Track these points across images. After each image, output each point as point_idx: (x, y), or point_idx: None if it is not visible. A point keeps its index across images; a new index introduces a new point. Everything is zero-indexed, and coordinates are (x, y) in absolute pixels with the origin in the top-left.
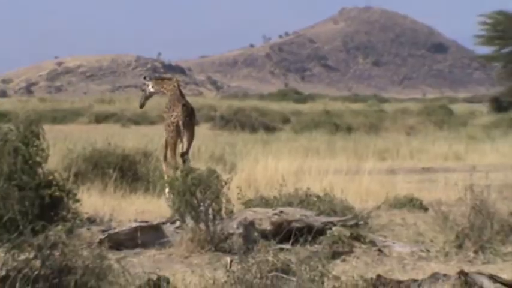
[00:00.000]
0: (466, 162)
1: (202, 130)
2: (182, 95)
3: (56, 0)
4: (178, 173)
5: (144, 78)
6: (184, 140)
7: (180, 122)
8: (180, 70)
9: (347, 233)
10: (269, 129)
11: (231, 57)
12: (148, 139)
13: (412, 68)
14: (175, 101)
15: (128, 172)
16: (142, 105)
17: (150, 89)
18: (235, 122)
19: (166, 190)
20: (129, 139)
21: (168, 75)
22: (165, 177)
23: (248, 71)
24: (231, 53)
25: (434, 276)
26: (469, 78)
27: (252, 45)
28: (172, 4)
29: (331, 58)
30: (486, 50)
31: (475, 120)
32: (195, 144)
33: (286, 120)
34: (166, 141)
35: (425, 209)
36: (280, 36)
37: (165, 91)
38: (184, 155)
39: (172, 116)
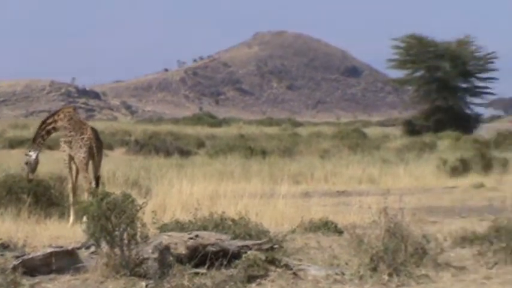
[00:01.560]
0: (379, 185)
1: (117, 155)
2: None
3: None
4: (87, 197)
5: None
6: (97, 162)
7: (94, 144)
8: (95, 95)
9: (262, 256)
10: (184, 153)
11: (146, 82)
12: (62, 164)
13: (326, 91)
14: (81, 123)
15: (42, 197)
16: (30, 180)
17: (33, 157)
18: (150, 146)
19: (84, 218)
20: (43, 164)
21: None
22: (70, 200)
23: (163, 95)
24: (145, 77)
25: None
26: (382, 102)
27: (166, 70)
28: (86, 28)
29: (246, 82)
30: (399, 73)
31: (389, 144)
32: (110, 169)
33: (201, 144)
34: (69, 165)
35: (340, 232)
36: (195, 61)
37: (55, 123)
38: (98, 178)
39: (83, 138)
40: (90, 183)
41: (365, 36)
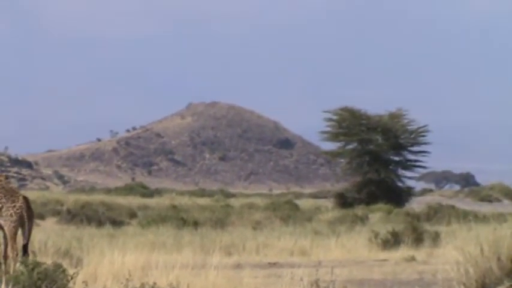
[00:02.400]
0: (311, 257)
1: (48, 224)
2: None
3: None
4: (14, 265)
5: None
6: (27, 231)
7: (25, 214)
8: (27, 164)
9: None
10: (116, 223)
11: (78, 152)
12: None
13: (259, 163)
14: (12, 191)
15: None
16: None
17: None
18: (82, 216)
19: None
20: None
21: None
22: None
23: (95, 165)
24: (78, 147)
25: None
26: (315, 174)
27: (99, 140)
28: (18, 96)
29: (179, 153)
30: (331, 145)
31: (321, 216)
32: (41, 239)
33: (133, 215)
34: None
35: None
36: (128, 131)
37: None
38: (26, 246)
39: (15, 206)
40: (17, 254)
41: (297, 108)
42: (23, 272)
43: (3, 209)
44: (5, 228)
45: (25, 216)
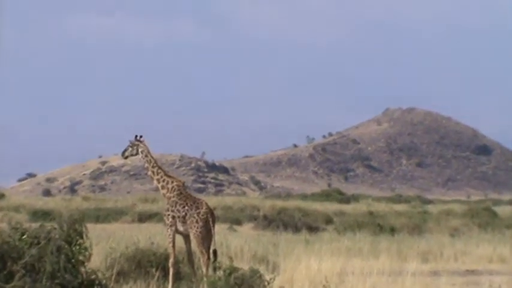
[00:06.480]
0: (510, 265)
1: (245, 230)
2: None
3: (100, 100)
4: (206, 271)
5: (138, 137)
6: (213, 235)
7: (210, 219)
8: (224, 170)
9: None
10: (312, 229)
11: (275, 157)
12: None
13: (456, 169)
14: (193, 198)
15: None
16: (126, 157)
17: (140, 154)
18: (278, 221)
19: None
20: (161, 239)
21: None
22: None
23: (291, 170)
24: (274, 153)
25: None
26: None
27: (295, 146)
28: (216, 103)
29: (375, 159)
30: None
31: None
32: (238, 244)
33: (329, 221)
34: (173, 240)
35: None
36: (324, 137)
37: (161, 186)
38: (215, 251)
39: (199, 213)
40: (208, 258)
41: (495, 115)
42: (219, 277)
43: (187, 216)
44: (191, 234)
45: (210, 221)
